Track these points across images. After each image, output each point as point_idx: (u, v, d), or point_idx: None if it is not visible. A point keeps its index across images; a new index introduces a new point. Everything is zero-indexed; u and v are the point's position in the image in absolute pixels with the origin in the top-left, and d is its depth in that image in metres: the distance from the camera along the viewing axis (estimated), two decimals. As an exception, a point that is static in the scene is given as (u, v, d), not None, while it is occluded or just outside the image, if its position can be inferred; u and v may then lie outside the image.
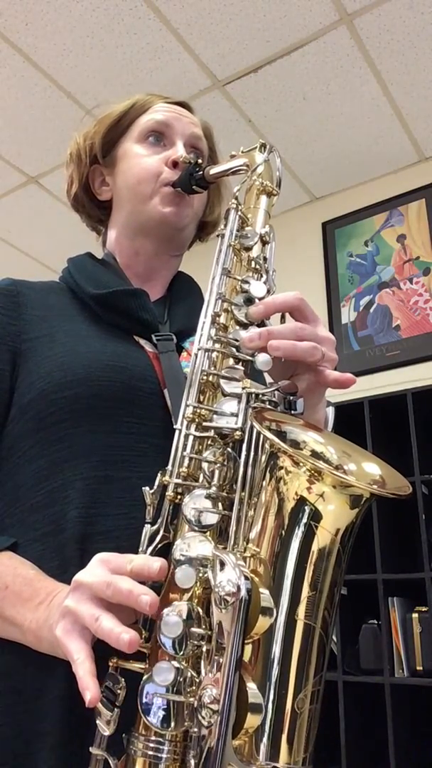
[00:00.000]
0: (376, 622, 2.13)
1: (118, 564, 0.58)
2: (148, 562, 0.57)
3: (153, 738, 0.54)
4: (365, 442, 2.26)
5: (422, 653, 2.02)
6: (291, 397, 0.66)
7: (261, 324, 0.70)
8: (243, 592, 0.49)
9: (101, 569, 0.58)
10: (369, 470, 0.60)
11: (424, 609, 2.07)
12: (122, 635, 0.52)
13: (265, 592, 0.53)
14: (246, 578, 0.50)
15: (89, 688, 0.52)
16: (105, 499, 0.70)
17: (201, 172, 0.85)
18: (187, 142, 0.94)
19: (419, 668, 2.02)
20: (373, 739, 2.06)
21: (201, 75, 2.48)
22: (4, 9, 2.22)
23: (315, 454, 0.59)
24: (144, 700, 0.53)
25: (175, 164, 0.89)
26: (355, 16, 2.24)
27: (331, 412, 0.74)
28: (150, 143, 0.93)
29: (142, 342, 0.83)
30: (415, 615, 2.07)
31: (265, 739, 0.51)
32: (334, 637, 2.14)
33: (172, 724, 0.53)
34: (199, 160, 0.87)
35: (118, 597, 0.55)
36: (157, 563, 0.57)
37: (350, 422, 2.29)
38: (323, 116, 2.66)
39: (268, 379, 0.71)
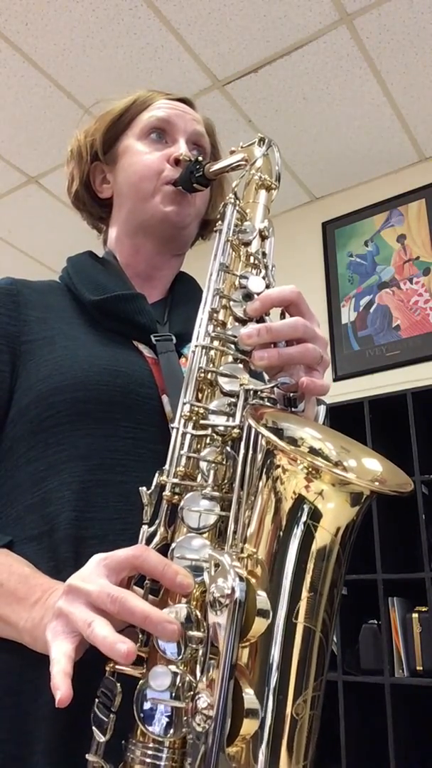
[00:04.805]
0: (376, 622, 2.13)
1: (116, 566, 0.56)
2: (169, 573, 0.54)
3: (151, 744, 0.52)
4: (365, 442, 2.26)
5: (422, 653, 2.02)
6: (291, 395, 0.65)
7: (260, 319, 0.69)
8: (238, 594, 0.47)
9: (98, 576, 0.55)
10: (369, 467, 0.58)
11: (424, 609, 2.07)
12: (117, 645, 0.49)
13: (261, 594, 0.51)
14: (241, 580, 0.48)
15: (59, 688, 0.50)
16: (100, 503, 0.70)
17: (201, 170, 0.84)
18: (189, 139, 0.92)
19: (419, 668, 2.02)
20: (373, 739, 2.05)
21: (201, 75, 2.48)
22: (4, 9, 2.22)
23: (313, 451, 0.57)
24: (141, 705, 0.51)
25: (176, 162, 0.88)
26: (355, 16, 2.23)
27: (322, 410, 0.72)
28: (152, 140, 0.92)
29: (141, 347, 0.83)
30: (415, 615, 2.07)
31: (263, 746, 0.49)
32: (334, 638, 2.14)
33: (171, 731, 0.51)
34: (200, 158, 0.86)
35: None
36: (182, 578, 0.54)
37: (350, 422, 2.29)
38: (323, 116, 2.66)
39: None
